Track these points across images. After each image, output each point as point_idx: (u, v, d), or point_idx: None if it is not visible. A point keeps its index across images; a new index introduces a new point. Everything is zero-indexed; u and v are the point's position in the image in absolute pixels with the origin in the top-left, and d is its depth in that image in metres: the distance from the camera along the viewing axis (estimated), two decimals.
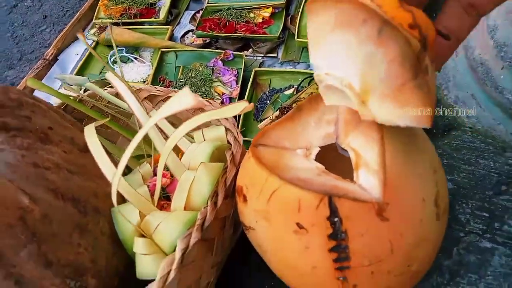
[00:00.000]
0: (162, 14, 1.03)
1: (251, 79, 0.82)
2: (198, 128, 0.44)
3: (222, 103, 0.81)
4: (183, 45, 0.97)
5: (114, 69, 0.95)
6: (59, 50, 1.04)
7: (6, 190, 0.31)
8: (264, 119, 0.74)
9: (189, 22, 1.05)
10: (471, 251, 0.49)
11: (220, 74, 0.86)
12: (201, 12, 1.01)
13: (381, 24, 0.25)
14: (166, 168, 0.42)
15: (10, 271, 0.30)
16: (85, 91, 0.59)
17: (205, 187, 0.39)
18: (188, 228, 0.36)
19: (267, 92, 0.81)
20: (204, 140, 0.47)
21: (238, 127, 0.62)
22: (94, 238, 0.36)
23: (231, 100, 0.82)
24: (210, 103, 0.48)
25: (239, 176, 0.37)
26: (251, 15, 0.96)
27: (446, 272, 0.48)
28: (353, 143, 0.32)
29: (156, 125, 0.42)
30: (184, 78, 0.88)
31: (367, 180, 0.30)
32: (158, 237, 0.37)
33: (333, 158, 0.34)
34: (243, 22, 0.95)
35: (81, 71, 0.97)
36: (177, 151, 0.47)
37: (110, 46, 1.02)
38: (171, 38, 1.01)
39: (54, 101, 0.57)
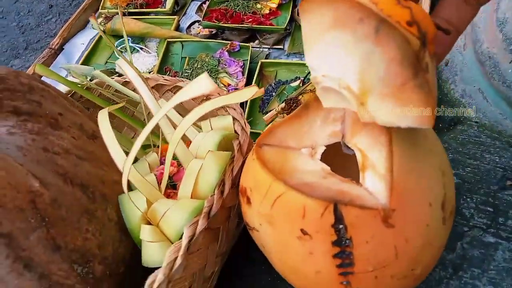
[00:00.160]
0: (169, 5, 1.03)
1: (257, 71, 0.82)
2: (205, 117, 0.44)
3: None
4: (189, 36, 0.97)
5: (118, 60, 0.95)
6: (65, 39, 1.04)
7: (18, 173, 0.31)
8: (270, 111, 0.74)
9: (195, 13, 1.04)
10: (475, 245, 0.49)
11: (226, 65, 0.86)
12: (207, 2, 1.01)
13: (378, 22, 0.24)
14: (174, 156, 0.42)
15: (20, 255, 0.30)
16: (91, 80, 0.59)
17: (212, 175, 0.39)
18: (194, 216, 0.36)
19: (273, 84, 0.80)
20: (212, 129, 0.47)
21: None
22: (102, 224, 0.37)
23: None
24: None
25: (243, 176, 0.37)
26: (258, 6, 0.96)
27: (449, 266, 0.48)
28: (360, 143, 0.32)
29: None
30: (190, 68, 0.88)
31: (374, 184, 0.29)
32: (165, 225, 0.37)
33: (339, 155, 0.34)
34: (249, 13, 0.94)
35: (86, 61, 0.97)
36: (184, 140, 0.47)
37: (115, 36, 1.02)
38: (177, 28, 1.01)
39: (62, 88, 0.57)
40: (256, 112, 0.78)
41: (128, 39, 1.00)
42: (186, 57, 0.91)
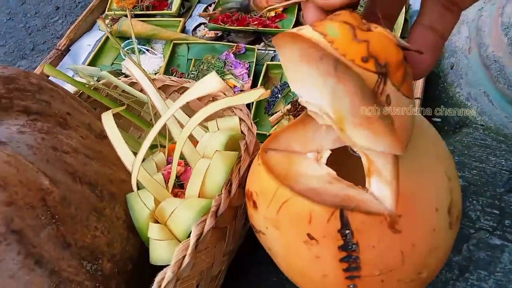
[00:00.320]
0: (175, 7, 1.04)
1: (262, 73, 0.82)
2: (211, 118, 0.45)
3: None
4: (195, 38, 0.97)
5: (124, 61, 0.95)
6: (72, 41, 1.05)
7: (28, 171, 0.32)
8: (275, 113, 0.75)
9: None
10: (481, 247, 0.49)
11: (232, 67, 0.86)
12: (213, 5, 1.01)
13: (335, 61, 0.25)
14: (181, 156, 0.42)
15: (31, 251, 0.30)
16: (97, 81, 0.60)
17: (220, 175, 0.39)
18: (202, 215, 0.36)
19: (279, 86, 0.81)
20: (218, 129, 0.47)
21: None
22: (110, 222, 0.37)
23: None
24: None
25: (248, 180, 0.37)
26: None
27: (455, 268, 0.48)
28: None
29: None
30: (196, 70, 0.88)
31: (380, 189, 0.29)
32: (173, 223, 0.38)
33: (344, 160, 0.34)
34: (255, 15, 0.95)
35: (93, 62, 0.97)
36: (191, 141, 0.47)
37: (121, 38, 1.03)
38: (183, 31, 1.01)
39: (69, 89, 0.58)
40: (262, 113, 0.79)
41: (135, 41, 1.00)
42: (192, 59, 0.92)
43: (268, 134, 0.73)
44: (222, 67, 0.86)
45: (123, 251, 0.38)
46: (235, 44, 0.89)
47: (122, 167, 0.42)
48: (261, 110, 0.79)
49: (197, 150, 0.44)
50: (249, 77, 0.84)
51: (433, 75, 0.80)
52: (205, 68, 0.87)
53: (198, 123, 0.37)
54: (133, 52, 0.99)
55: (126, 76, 0.74)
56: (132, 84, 0.57)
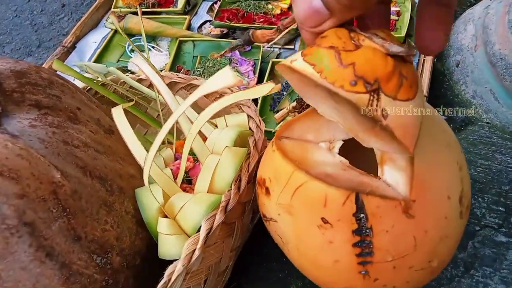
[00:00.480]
0: (180, 4, 1.04)
1: (268, 70, 0.82)
2: (219, 115, 0.45)
3: None
4: (201, 35, 0.97)
5: (133, 57, 0.96)
6: (78, 38, 1.06)
7: (40, 165, 0.32)
8: (281, 110, 0.75)
9: (207, 13, 1.05)
10: (487, 244, 0.50)
11: (237, 64, 0.86)
12: (219, 2, 1.02)
13: (327, 90, 0.26)
14: (191, 151, 0.43)
15: (42, 244, 0.30)
16: (105, 76, 0.60)
17: (229, 171, 0.40)
18: (211, 211, 0.37)
19: (284, 83, 0.81)
20: (227, 126, 0.47)
21: None
22: (120, 216, 0.37)
23: None
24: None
25: (261, 168, 0.37)
26: (269, 6, 0.96)
27: (461, 265, 0.49)
28: None
29: None
30: (202, 67, 0.88)
31: (393, 176, 0.30)
32: (182, 218, 0.38)
33: (355, 150, 0.34)
34: (261, 13, 0.95)
35: (99, 59, 0.98)
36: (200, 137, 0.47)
37: (127, 35, 1.03)
38: (189, 28, 1.02)
39: (77, 84, 0.58)
40: (267, 110, 0.79)
41: (140, 38, 1.01)
42: (197, 56, 0.92)
43: (273, 131, 0.73)
44: (227, 64, 0.86)
45: (132, 245, 0.38)
46: None
47: (130, 162, 0.42)
48: (266, 107, 0.79)
49: (206, 146, 0.44)
50: (254, 74, 0.84)
51: (439, 73, 0.80)
52: (210, 65, 0.88)
53: (208, 118, 0.37)
54: (140, 49, 0.99)
55: (132, 73, 0.75)
56: (140, 81, 0.57)
